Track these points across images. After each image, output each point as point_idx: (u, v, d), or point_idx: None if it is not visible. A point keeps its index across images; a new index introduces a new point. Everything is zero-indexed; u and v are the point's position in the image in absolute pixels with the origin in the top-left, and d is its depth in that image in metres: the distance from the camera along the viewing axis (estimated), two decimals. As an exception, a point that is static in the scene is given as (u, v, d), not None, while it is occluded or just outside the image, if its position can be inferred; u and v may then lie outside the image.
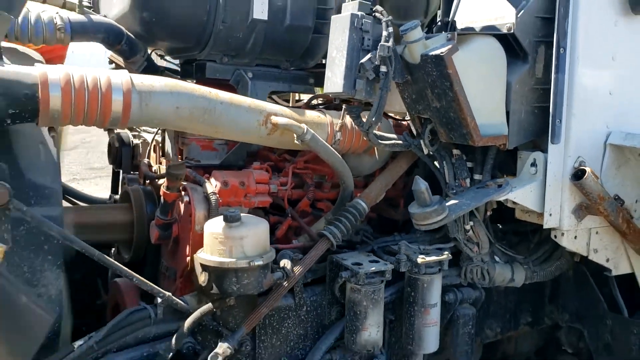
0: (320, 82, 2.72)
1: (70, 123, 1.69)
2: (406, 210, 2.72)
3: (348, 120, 2.31)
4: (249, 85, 2.40)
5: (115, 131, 2.88)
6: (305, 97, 3.50)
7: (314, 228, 2.41)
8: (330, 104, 2.72)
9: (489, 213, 2.42)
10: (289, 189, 2.43)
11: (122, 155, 2.83)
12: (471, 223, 2.34)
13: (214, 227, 1.91)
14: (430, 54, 2.01)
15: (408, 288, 2.29)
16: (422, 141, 2.29)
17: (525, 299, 2.85)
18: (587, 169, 2.09)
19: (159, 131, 2.68)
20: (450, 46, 1.98)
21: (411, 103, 2.25)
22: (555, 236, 2.25)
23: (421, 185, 2.06)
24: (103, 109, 1.68)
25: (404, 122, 2.68)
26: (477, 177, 2.34)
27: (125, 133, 2.88)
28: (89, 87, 1.66)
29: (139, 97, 1.72)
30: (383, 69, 2.04)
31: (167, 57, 2.75)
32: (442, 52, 1.97)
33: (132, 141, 2.87)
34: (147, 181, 2.63)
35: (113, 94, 1.68)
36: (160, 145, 2.69)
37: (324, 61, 2.60)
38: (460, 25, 2.33)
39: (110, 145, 2.92)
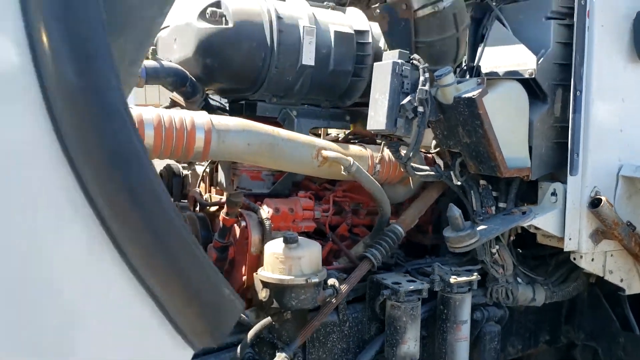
0: (354, 119, 3.01)
1: (159, 157, 1.95)
2: (434, 236, 3.00)
3: (386, 153, 2.58)
4: (294, 123, 2.67)
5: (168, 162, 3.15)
6: (332, 132, 3.80)
7: (352, 251, 2.65)
8: (363, 138, 2.99)
9: (512, 238, 2.67)
10: (330, 215, 2.69)
11: (173, 185, 3.09)
12: (497, 247, 2.59)
13: (275, 248, 2.15)
14: (463, 96, 2.29)
15: (441, 306, 2.52)
16: (452, 172, 2.56)
17: (543, 319, 3.07)
18: (603, 198, 2.34)
19: (209, 163, 2.94)
20: (480, 90, 2.26)
21: (442, 138, 2.52)
22: (575, 258, 2.49)
23: (455, 211, 2.32)
24: (187, 145, 1.95)
25: (429, 155, 2.95)
26: (501, 205, 2.59)
27: (176, 165, 3.14)
28: (177, 126, 1.93)
29: (217, 135, 1.99)
30: (420, 109, 2.31)
31: (213, 96, 3.03)
32: (473, 95, 2.25)
33: (182, 172, 3.13)
34: (197, 208, 2.88)
35: (196, 132, 1.95)
36: (210, 176, 2.95)
37: (359, 101, 2.89)
38: (484, 69, 2.62)
39: (161, 176, 3.18)
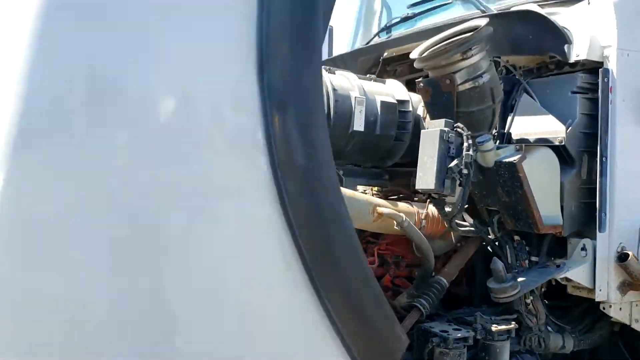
0: (392, 178, 3.27)
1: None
2: (467, 287, 3.22)
3: (430, 210, 2.83)
4: (343, 182, 2.92)
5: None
6: (359, 188, 4.05)
7: (395, 301, 2.86)
8: (401, 195, 3.25)
9: (543, 289, 2.91)
10: (376, 267, 2.90)
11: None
12: (531, 298, 2.82)
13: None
14: (504, 160, 2.57)
15: (482, 353, 2.71)
16: (489, 228, 2.81)
17: (567, 367, 3.27)
18: (630, 253, 2.61)
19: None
20: (520, 155, 2.55)
21: (481, 197, 2.79)
22: (604, 308, 2.73)
23: (499, 264, 2.56)
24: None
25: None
26: (533, 259, 2.85)
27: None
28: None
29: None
30: (465, 171, 2.58)
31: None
32: (514, 160, 2.54)
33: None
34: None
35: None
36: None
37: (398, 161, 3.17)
38: (514, 136, 2.92)
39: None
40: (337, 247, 1.05)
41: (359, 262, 1.09)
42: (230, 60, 1.07)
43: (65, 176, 1.07)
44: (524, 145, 2.64)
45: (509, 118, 2.95)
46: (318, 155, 1.01)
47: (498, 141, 2.98)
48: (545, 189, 2.65)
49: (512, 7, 3.11)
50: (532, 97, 2.88)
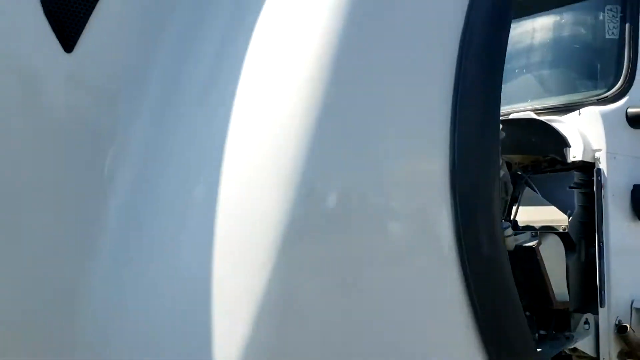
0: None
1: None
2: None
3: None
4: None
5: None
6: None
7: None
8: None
9: (549, 360, 3.28)
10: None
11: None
12: (541, 369, 3.18)
13: None
14: (523, 245, 2.99)
15: (505, 420, 3.01)
16: (505, 305, 3.18)
17: None
18: (627, 325, 3.05)
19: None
20: (537, 240, 2.99)
21: (498, 277, 3.18)
22: (607, 375, 3.13)
23: (522, 337, 2.92)
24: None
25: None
26: (541, 332, 3.23)
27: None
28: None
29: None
30: (489, 254, 2.98)
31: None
32: (533, 245, 2.97)
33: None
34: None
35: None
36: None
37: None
38: (520, 224, 3.37)
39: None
40: (511, 326, 1.37)
41: (529, 342, 1.42)
42: (430, 185, 1.43)
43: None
44: (539, 232, 3.08)
45: (514, 208, 3.41)
46: (497, 249, 1.35)
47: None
48: (555, 270, 3.08)
49: (509, 114, 3.67)
50: (534, 190, 3.36)
